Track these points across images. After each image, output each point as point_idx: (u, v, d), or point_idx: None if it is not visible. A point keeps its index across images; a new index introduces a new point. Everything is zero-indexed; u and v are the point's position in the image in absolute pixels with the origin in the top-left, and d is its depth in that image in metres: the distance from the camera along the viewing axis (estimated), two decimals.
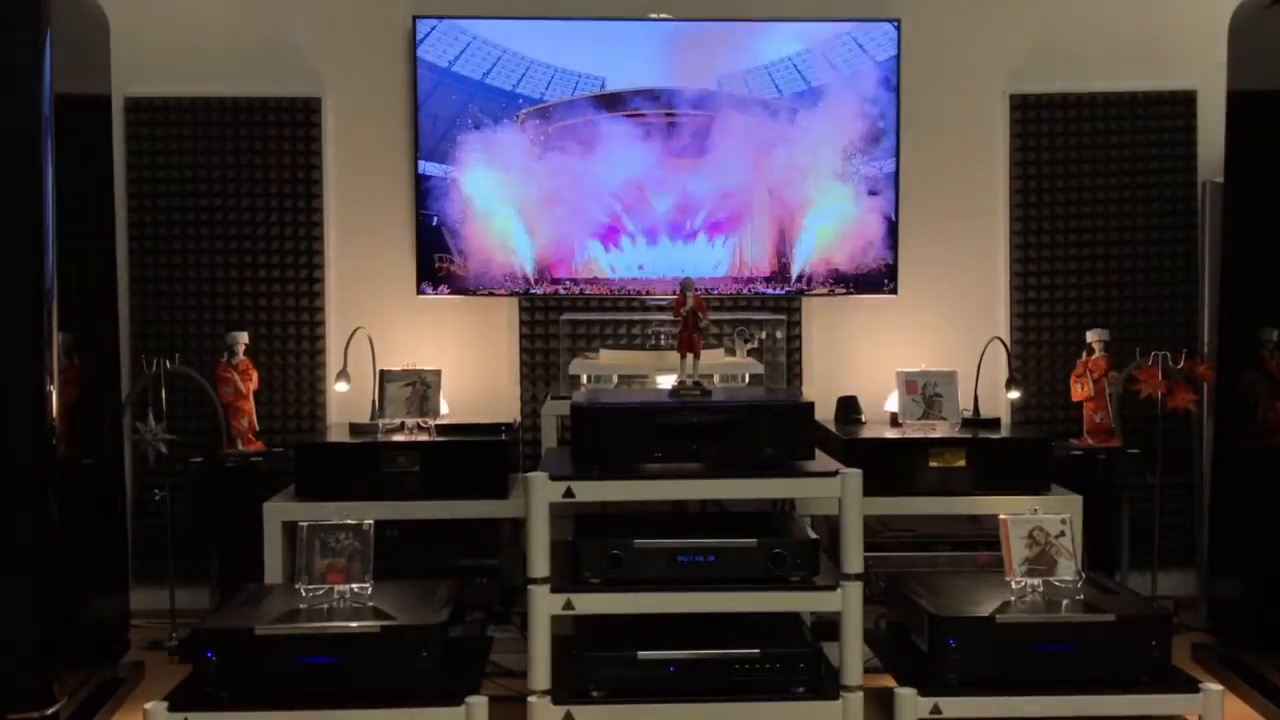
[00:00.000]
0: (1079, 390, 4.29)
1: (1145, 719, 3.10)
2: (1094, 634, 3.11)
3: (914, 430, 4.00)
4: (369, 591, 3.21)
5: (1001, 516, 3.33)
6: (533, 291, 4.48)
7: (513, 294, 4.51)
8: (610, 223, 4.47)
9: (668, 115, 4.45)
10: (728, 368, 4.04)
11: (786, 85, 4.47)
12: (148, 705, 2.96)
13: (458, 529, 3.90)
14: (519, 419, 4.48)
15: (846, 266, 4.50)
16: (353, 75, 4.59)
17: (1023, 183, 4.63)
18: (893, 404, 4.19)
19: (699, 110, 4.46)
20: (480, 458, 3.86)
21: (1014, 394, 4.42)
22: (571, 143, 4.43)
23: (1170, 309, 4.61)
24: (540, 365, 4.61)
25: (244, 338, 4.25)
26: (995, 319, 4.66)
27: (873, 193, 4.49)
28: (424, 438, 3.92)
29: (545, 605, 3.09)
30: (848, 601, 3.12)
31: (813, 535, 3.27)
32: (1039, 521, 3.31)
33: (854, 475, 3.15)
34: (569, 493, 3.12)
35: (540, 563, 3.09)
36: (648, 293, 4.47)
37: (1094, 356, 4.26)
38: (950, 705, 3.07)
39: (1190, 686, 3.10)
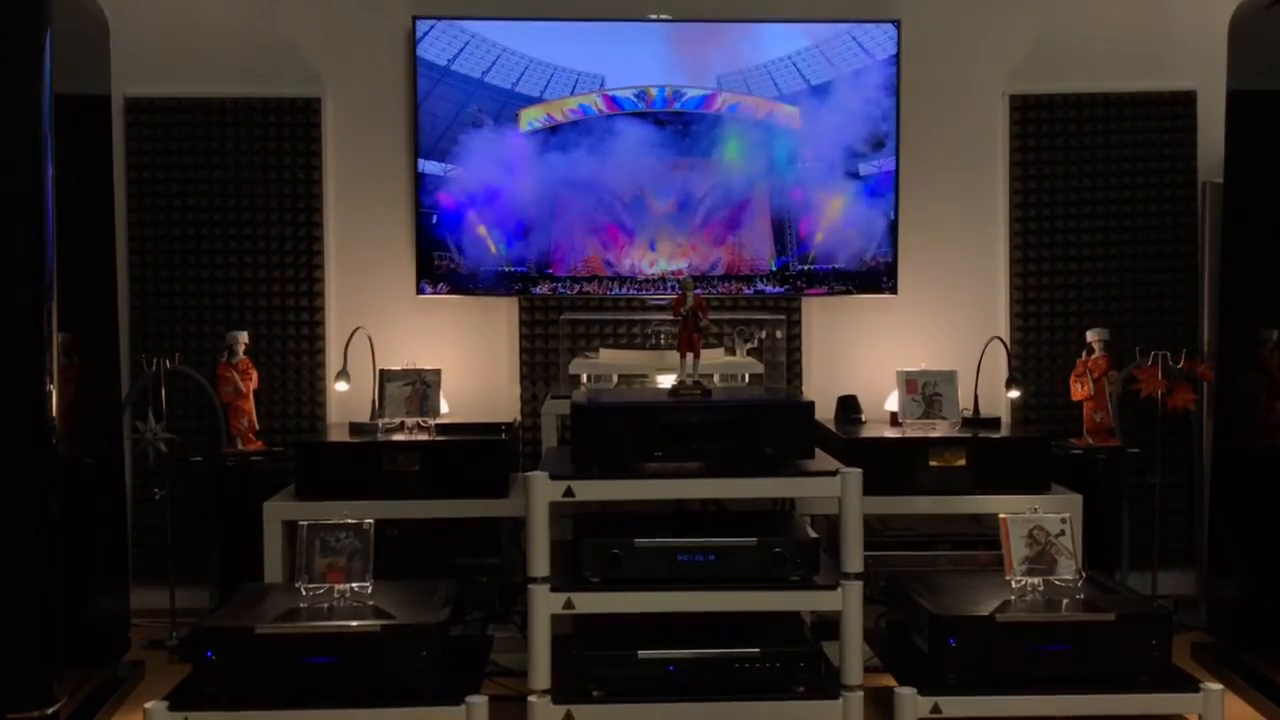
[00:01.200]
0: (1079, 390, 4.29)
1: (1145, 719, 3.11)
2: (1094, 634, 3.12)
3: (914, 430, 4.00)
4: (369, 591, 3.21)
5: (1001, 516, 3.33)
6: (533, 291, 4.48)
7: (512, 293, 4.51)
8: (610, 221, 4.48)
9: (667, 114, 4.45)
10: (728, 367, 4.04)
11: (786, 85, 4.47)
12: (148, 705, 2.97)
13: (458, 529, 3.90)
14: (519, 419, 4.48)
15: (846, 266, 4.51)
16: (353, 75, 4.59)
17: (1023, 183, 4.63)
18: (893, 404, 4.19)
19: (699, 109, 4.46)
20: (480, 457, 3.86)
21: (1014, 394, 4.42)
22: (571, 141, 4.43)
23: (1170, 309, 4.61)
24: (540, 365, 4.61)
25: (244, 337, 4.25)
26: (995, 319, 4.66)
27: (873, 192, 4.49)
28: (424, 437, 3.92)
29: (545, 605, 3.09)
30: (848, 601, 3.12)
31: (813, 535, 3.27)
32: (1039, 521, 3.31)
33: (854, 475, 3.15)
34: (569, 492, 3.12)
35: (540, 562, 3.09)
36: (648, 292, 4.47)
37: (1094, 356, 4.26)
38: (950, 705, 3.07)
39: (1190, 686, 3.11)
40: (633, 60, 4.44)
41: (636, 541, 3.14)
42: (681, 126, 4.46)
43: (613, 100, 4.45)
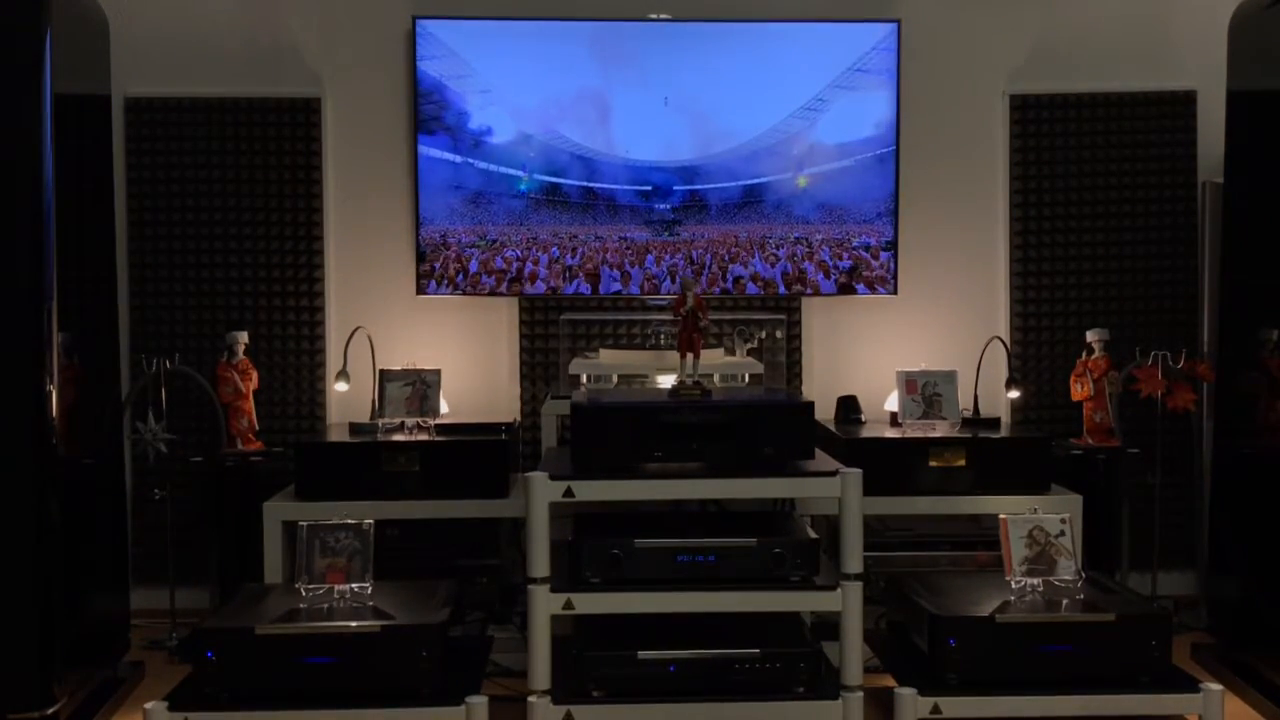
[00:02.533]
0: (1079, 390, 4.28)
1: (1145, 719, 3.11)
2: (1094, 634, 3.12)
3: (914, 430, 4.00)
4: (369, 591, 3.21)
5: (1001, 516, 3.33)
6: (533, 291, 4.49)
7: (512, 293, 4.51)
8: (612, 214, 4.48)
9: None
10: (728, 368, 4.04)
11: (786, 83, 4.47)
12: (148, 705, 2.97)
13: (458, 529, 3.90)
14: (519, 419, 4.48)
15: (846, 265, 4.51)
16: (353, 75, 4.59)
17: (1023, 183, 4.63)
18: (893, 404, 4.19)
19: (699, 101, 4.46)
20: (480, 457, 3.86)
21: (1014, 394, 4.42)
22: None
23: (1170, 309, 4.61)
24: (540, 365, 4.61)
25: (244, 337, 4.24)
26: (995, 319, 4.66)
27: (872, 192, 4.49)
28: (424, 437, 3.92)
29: (545, 605, 3.09)
30: (848, 601, 3.12)
31: (813, 535, 3.27)
32: (1039, 521, 3.31)
33: (854, 475, 3.15)
34: (569, 492, 3.12)
35: (540, 562, 3.09)
36: (647, 291, 4.48)
37: (1094, 356, 4.26)
38: (950, 705, 3.07)
39: (1190, 686, 3.11)
40: (630, 60, 4.45)
41: (636, 542, 3.14)
42: (680, 122, 4.46)
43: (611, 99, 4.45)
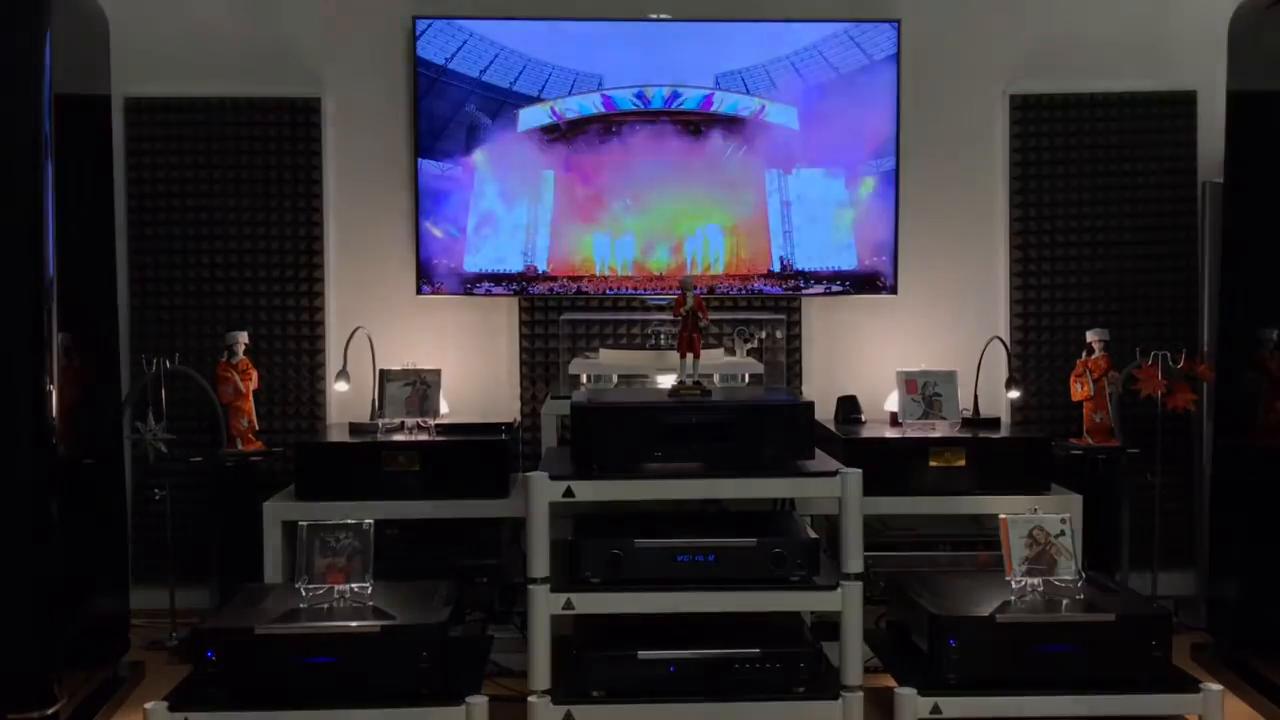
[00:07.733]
0: (1079, 390, 4.28)
1: (1145, 719, 3.11)
2: (1094, 634, 3.11)
3: (914, 430, 4.00)
4: (369, 591, 3.21)
5: (1001, 516, 3.33)
6: (531, 290, 4.48)
7: (511, 293, 4.51)
8: (608, 218, 4.48)
9: (665, 113, 4.45)
10: (728, 368, 4.04)
11: (786, 84, 4.47)
12: (148, 705, 2.97)
13: (458, 529, 3.90)
14: (519, 419, 4.48)
15: (846, 265, 4.51)
16: (353, 75, 4.59)
17: (1023, 183, 4.63)
18: (893, 404, 4.19)
19: (698, 109, 4.46)
20: (480, 457, 3.86)
21: (1014, 394, 4.42)
22: (568, 140, 4.43)
23: (1170, 309, 4.61)
24: (540, 365, 4.61)
25: (244, 337, 4.24)
26: (995, 319, 4.66)
27: (872, 192, 4.49)
28: (424, 437, 3.92)
29: (545, 605, 3.09)
30: (848, 601, 3.12)
31: (813, 535, 3.27)
32: (1039, 521, 3.31)
33: (854, 475, 3.15)
34: (569, 492, 3.12)
35: (540, 562, 3.09)
36: (646, 291, 4.47)
37: (1094, 356, 4.26)
38: (950, 705, 3.07)
39: (1190, 686, 3.11)
40: (630, 59, 4.44)
41: (636, 542, 3.14)
42: (679, 125, 4.46)
43: (610, 100, 4.44)
